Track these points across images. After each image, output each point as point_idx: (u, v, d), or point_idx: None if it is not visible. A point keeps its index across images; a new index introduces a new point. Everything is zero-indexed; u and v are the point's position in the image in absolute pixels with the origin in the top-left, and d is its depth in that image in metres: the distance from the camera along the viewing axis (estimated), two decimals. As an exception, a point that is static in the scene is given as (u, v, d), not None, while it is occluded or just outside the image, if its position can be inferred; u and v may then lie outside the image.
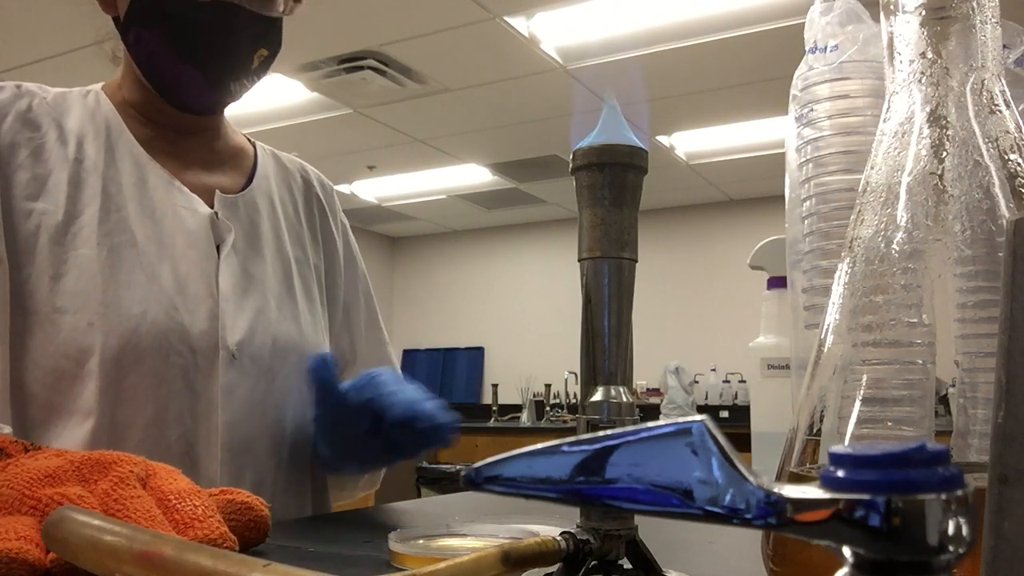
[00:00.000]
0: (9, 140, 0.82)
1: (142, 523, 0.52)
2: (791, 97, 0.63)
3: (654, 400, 5.21)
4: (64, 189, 0.82)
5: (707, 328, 5.49)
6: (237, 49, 0.84)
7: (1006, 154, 0.40)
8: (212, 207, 0.89)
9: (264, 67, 0.87)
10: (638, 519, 0.45)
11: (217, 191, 0.91)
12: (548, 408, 5.59)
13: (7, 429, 0.76)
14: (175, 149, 0.91)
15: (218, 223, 0.88)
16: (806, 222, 0.60)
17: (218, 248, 0.87)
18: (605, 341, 0.46)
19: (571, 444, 0.23)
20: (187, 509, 0.55)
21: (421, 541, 0.56)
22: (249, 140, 1.02)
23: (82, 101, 0.89)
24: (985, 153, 0.40)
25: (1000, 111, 0.41)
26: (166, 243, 0.84)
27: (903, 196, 0.41)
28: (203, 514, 0.56)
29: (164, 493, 0.57)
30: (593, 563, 0.44)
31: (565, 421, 5.33)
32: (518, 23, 3.18)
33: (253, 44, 0.85)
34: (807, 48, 0.63)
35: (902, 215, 0.41)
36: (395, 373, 0.84)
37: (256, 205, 0.94)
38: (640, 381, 5.36)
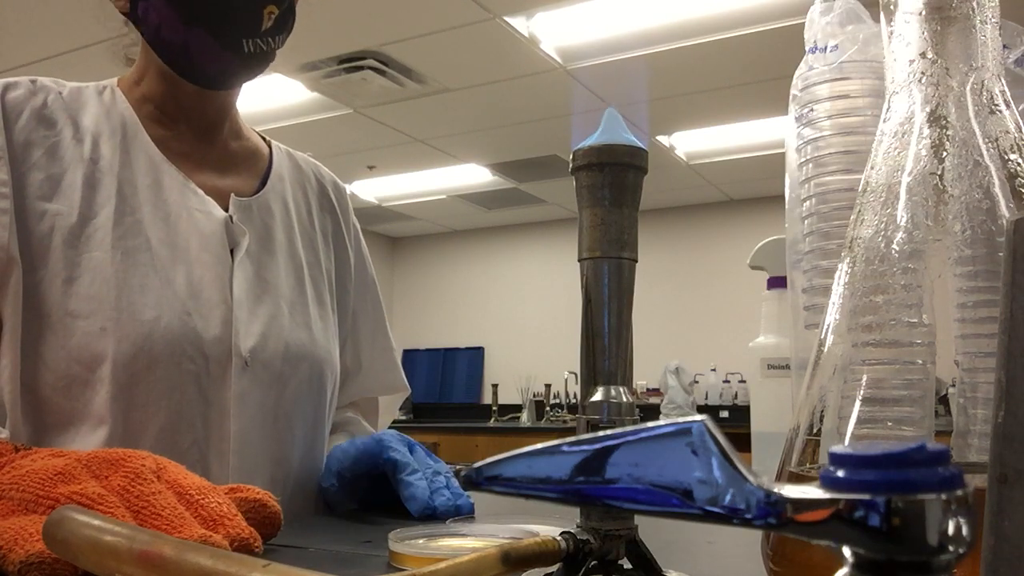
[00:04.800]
0: (24, 139, 0.80)
1: (173, 519, 0.52)
2: (791, 97, 0.63)
3: (654, 400, 5.20)
4: (79, 190, 0.80)
5: (707, 328, 5.48)
6: (243, 5, 0.81)
7: (1006, 154, 0.40)
8: (226, 210, 0.88)
9: (278, 28, 0.83)
10: (638, 519, 0.45)
11: (232, 194, 0.89)
12: (548, 408, 5.59)
13: (4, 434, 0.75)
14: (190, 150, 0.90)
15: (232, 227, 0.87)
16: (806, 222, 0.60)
17: (232, 252, 0.86)
18: (605, 341, 0.46)
19: (571, 444, 0.23)
20: (212, 506, 0.55)
21: (421, 541, 0.56)
22: (265, 139, 1.01)
23: (98, 98, 0.87)
24: (985, 153, 0.40)
25: (1000, 111, 0.41)
26: (180, 247, 0.83)
27: (903, 196, 0.41)
28: (229, 511, 0.55)
29: (183, 488, 0.56)
30: (593, 563, 0.44)
31: (565, 421, 5.32)
32: (518, 23, 3.18)
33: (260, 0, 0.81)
34: (807, 48, 0.63)
35: (902, 215, 0.41)
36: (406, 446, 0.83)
37: (270, 208, 0.93)
38: (640, 381, 5.36)
